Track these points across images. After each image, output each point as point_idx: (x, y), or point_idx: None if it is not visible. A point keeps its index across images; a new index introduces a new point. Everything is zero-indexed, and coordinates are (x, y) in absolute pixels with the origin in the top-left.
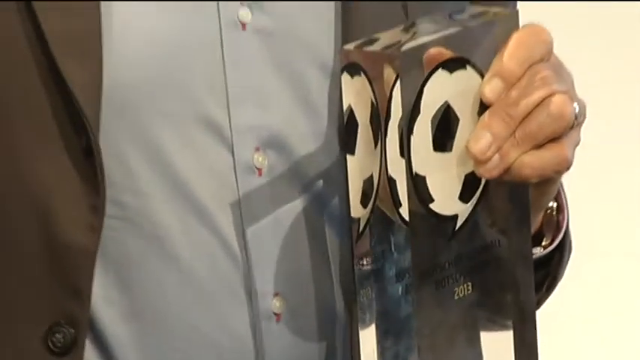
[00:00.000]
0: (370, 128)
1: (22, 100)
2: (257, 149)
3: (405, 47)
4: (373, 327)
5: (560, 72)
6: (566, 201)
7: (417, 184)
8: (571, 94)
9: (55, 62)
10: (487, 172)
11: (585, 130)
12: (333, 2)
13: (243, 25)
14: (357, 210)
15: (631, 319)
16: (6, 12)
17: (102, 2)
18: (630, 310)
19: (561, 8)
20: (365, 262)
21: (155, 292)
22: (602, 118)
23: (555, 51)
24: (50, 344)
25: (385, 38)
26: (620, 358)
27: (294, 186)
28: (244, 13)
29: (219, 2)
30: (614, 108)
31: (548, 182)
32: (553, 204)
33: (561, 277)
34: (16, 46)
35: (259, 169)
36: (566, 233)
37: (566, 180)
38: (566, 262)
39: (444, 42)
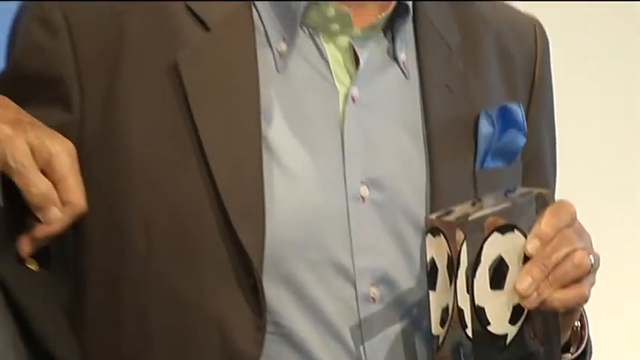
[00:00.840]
0: (446, 272)
1: (205, 249)
2: (372, 284)
3: (470, 218)
4: None
5: (581, 233)
6: (587, 320)
7: (478, 312)
8: (588, 250)
9: (232, 225)
10: (529, 304)
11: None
12: (424, 177)
13: (363, 199)
14: (437, 329)
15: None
16: (196, 190)
17: (265, 181)
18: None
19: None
20: None
21: None
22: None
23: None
24: None
25: (458, 210)
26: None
27: (398, 310)
28: (364, 190)
29: (347, 184)
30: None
31: (573, 310)
32: (577, 323)
33: None
34: (201, 214)
35: (374, 299)
36: (588, 343)
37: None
38: None
39: (499, 213)
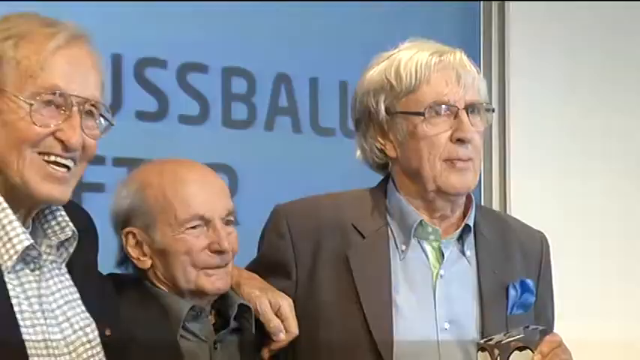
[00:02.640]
0: None
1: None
2: None
3: (502, 342)
4: None
5: (565, 350)
6: None
7: None
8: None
9: (376, 345)
10: None
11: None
12: (479, 319)
13: (446, 330)
14: None
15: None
16: (357, 328)
17: (393, 323)
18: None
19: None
20: None
21: None
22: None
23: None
24: None
25: (496, 338)
26: None
27: None
28: (447, 325)
29: (437, 322)
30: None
31: None
32: None
33: None
34: (359, 340)
35: None
36: None
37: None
38: None
39: (519, 340)
